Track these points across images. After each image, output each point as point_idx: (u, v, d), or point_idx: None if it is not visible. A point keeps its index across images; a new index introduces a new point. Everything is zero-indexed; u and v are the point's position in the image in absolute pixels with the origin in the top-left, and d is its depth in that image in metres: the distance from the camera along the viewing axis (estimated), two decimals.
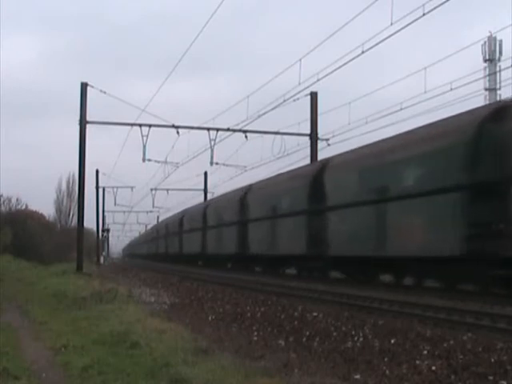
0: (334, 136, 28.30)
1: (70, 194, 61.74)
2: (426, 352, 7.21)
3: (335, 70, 19.82)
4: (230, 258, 32.05)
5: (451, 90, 19.96)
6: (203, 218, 37.91)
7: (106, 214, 61.85)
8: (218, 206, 35.88)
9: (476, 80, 24.30)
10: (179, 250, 46.22)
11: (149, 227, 79.90)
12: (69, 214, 61.56)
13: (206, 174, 52.24)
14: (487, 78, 47.81)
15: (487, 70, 49.38)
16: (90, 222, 47.21)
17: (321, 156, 28.59)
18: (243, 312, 12.03)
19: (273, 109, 25.68)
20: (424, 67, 21.53)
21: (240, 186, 32.48)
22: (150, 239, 70.04)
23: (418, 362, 6.71)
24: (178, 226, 46.95)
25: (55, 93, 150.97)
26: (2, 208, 50.06)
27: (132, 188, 55.59)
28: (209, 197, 51.01)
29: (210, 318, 11.50)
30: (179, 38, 76.25)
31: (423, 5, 15.10)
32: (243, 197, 29.64)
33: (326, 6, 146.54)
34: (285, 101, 24.78)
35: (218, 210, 35.10)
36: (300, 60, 22.45)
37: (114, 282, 20.68)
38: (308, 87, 23.65)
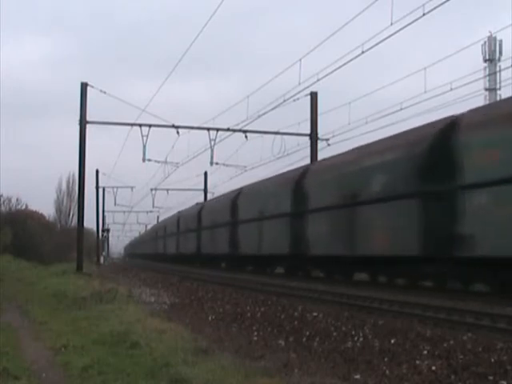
0: (333, 136, 28.32)
1: (69, 194, 61.93)
2: (426, 352, 7.21)
3: (335, 70, 19.87)
4: (278, 259, 25.64)
5: (451, 90, 20.03)
6: (232, 210, 31.33)
7: (106, 213, 62.05)
8: (254, 195, 28.65)
9: (476, 80, 24.61)
10: (196, 249, 39.85)
11: (154, 225, 75.95)
12: (69, 214, 61.74)
13: (206, 174, 52.31)
14: (487, 78, 47.85)
15: (487, 70, 49.41)
16: (90, 222, 47.32)
17: (321, 156, 28.55)
18: (243, 312, 12.02)
19: (273, 109, 25.77)
20: (424, 67, 21.60)
21: (288, 170, 26.82)
22: (158, 237, 62.00)
23: (418, 362, 6.70)
24: (196, 221, 40.38)
25: (55, 93, 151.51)
26: (2, 208, 50.15)
27: (132, 188, 55.82)
28: (209, 197, 50.83)
29: (210, 318, 11.49)
30: (179, 38, 76.39)
31: (423, 5, 15.16)
32: (298, 182, 23.43)
33: (326, 6, 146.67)
34: (285, 101, 24.86)
35: (255, 200, 28.12)
36: (300, 60, 22.53)
37: (114, 282, 20.68)
38: (308, 87, 23.73)
